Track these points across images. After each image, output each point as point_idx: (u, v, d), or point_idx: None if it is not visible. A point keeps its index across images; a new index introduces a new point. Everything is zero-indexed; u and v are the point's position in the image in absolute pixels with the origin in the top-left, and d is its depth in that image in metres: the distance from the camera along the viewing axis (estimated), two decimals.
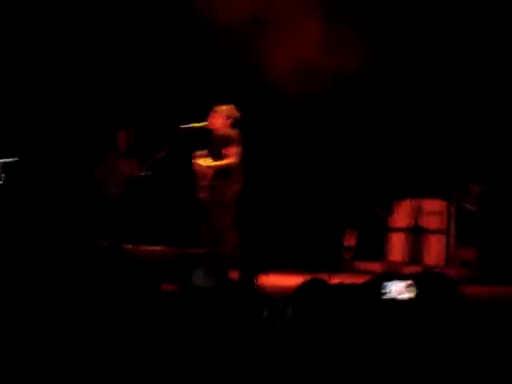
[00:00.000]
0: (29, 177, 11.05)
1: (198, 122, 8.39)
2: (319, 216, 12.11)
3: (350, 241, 11.76)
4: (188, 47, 11.55)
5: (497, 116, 10.63)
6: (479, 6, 10.61)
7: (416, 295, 4.27)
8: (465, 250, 10.37)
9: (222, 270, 7.78)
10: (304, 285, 4.31)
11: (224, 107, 8.37)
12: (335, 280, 4.97)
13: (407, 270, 9.79)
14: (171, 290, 4.41)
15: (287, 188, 12.08)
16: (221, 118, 8.31)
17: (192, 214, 8.88)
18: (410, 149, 11.51)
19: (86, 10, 11.32)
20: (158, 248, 9.68)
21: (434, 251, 10.69)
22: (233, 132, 8.26)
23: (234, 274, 7.85)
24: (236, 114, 8.35)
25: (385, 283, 4.65)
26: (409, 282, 4.65)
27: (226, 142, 8.21)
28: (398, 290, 4.65)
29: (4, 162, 10.02)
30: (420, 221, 10.96)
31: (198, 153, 8.22)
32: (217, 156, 8.21)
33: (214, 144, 8.30)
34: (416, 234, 10.97)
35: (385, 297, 4.65)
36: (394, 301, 4.63)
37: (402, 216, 11.21)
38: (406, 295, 4.55)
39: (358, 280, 6.05)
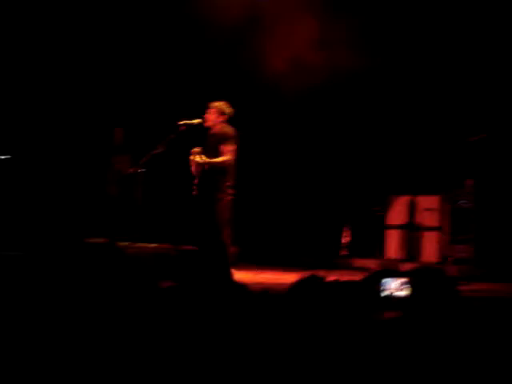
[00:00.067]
0: (21, 174, 11.01)
1: (194, 119, 8.39)
2: (316, 213, 12.11)
3: (347, 238, 11.76)
4: (183, 44, 11.54)
5: (491, 112, 10.64)
6: (474, 5, 10.63)
7: (413, 292, 4.26)
8: (459, 247, 10.37)
9: (215, 267, 7.78)
10: (301, 281, 4.29)
11: (217, 103, 8.38)
12: (332, 277, 4.94)
13: (403, 266, 9.79)
14: (168, 287, 4.39)
15: (284, 185, 12.08)
16: (214, 114, 8.32)
17: (186, 211, 8.88)
18: (405, 146, 11.52)
19: (82, 8, 11.30)
20: (152, 245, 9.66)
21: (429, 248, 10.70)
22: (229, 129, 8.26)
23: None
24: (228, 110, 8.35)
25: (382, 280, 4.65)
26: (405, 278, 4.64)
27: (222, 139, 8.21)
28: (395, 286, 4.64)
29: None
30: (415, 217, 10.96)
31: (195, 149, 8.21)
32: (212, 153, 8.20)
33: (209, 141, 8.30)
34: (411, 230, 10.98)
35: (382, 293, 4.65)
36: (391, 297, 4.63)
37: (397, 213, 11.21)
38: (404, 292, 4.54)
39: (355, 277, 6.05)
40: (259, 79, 11.07)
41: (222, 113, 8.32)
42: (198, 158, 8.15)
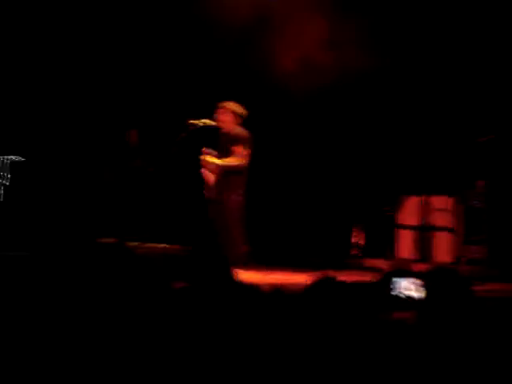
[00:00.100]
0: (35, 177, 11.02)
1: (205, 118, 8.38)
2: (327, 213, 12.08)
3: (357, 238, 11.72)
4: (194, 45, 11.53)
5: (503, 112, 10.60)
6: (485, 7, 10.59)
7: (427, 293, 4.21)
8: (473, 248, 10.32)
9: (216, 268, 7.76)
10: (316, 282, 4.26)
11: (231, 103, 8.37)
12: (342, 277, 4.91)
13: (415, 267, 9.73)
14: (180, 288, 4.37)
15: (294, 185, 12.05)
16: (227, 114, 8.30)
17: (197, 212, 8.87)
18: (418, 146, 11.47)
19: (94, 9, 11.31)
20: (162, 246, 9.66)
21: (442, 249, 10.65)
22: (241, 131, 8.24)
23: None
24: (242, 111, 8.33)
25: (395, 280, 4.62)
26: (419, 279, 4.61)
27: (234, 140, 8.19)
28: (408, 286, 4.61)
29: (10, 162, 10.00)
30: (428, 218, 10.92)
31: (207, 150, 8.20)
32: (225, 154, 8.19)
33: (222, 142, 8.29)
34: (424, 231, 10.94)
35: (395, 294, 4.62)
36: (404, 298, 4.60)
37: (409, 213, 11.16)
38: (418, 293, 4.51)
39: (366, 277, 6.02)
40: (269, 79, 11.05)
41: (234, 113, 8.31)
42: (210, 159, 8.15)
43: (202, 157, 8.20)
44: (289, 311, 4.10)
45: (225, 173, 8.14)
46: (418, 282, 4.55)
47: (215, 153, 8.26)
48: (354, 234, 11.72)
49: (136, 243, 9.05)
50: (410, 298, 4.61)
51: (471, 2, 10.67)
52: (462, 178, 10.69)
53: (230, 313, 4.04)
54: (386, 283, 4.68)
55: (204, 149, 8.22)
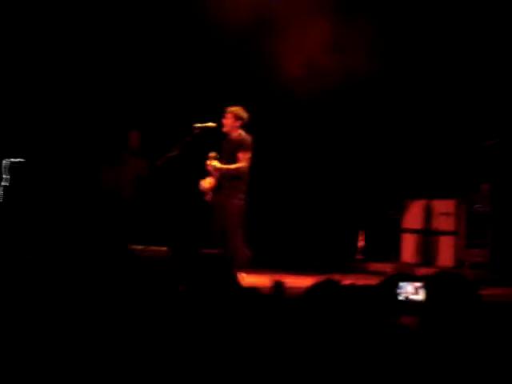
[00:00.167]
0: (35, 178, 11.01)
1: (209, 122, 8.39)
2: (331, 217, 12.08)
3: (361, 242, 11.73)
4: (197, 48, 11.54)
5: (507, 116, 10.59)
6: (492, 11, 10.58)
7: (429, 296, 4.21)
8: (475, 251, 10.31)
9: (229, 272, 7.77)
10: (316, 285, 4.26)
11: (233, 108, 8.38)
12: (347, 281, 4.91)
13: (419, 271, 9.72)
14: (183, 290, 4.39)
15: (298, 188, 12.05)
16: (230, 119, 8.32)
17: (199, 215, 8.88)
18: (421, 149, 11.47)
19: (98, 11, 11.32)
20: (165, 249, 9.64)
21: (445, 252, 10.64)
22: (246, 136, 8.26)
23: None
24: (244, 115, 8.35)
25: (399, 284, 4.62)
26: (422, 282, 4.61)
27: (239, 145, 8.21)
28: (411, 290, 4.61)
29: (10, 164, 10.00)
30: (431, 222, 10.91)
31: (212, 154, 8.22)
32: (228, 159, 8.21)
33: (226, 147, 8.30)
34: (427, 235, 10.92)
35: (398, 297, 4.62)
36: (407, 301, 4.60)
37: (413, 217, 11.16)
38: (421, 296, 4.51)
39: (370, 281, 6.01)
40: (273, 83, 11.06)
41: (238, 118, 8.33)
42: (215, 163, 8.17)
43: (209, 161, 8.22)
44: (289, 313, 4.11)
45: (227, 178, 8.16)
46: (421, 284, 4.55)
47: (219, 158, 8.28)
48: (361, 238, 11.72)
49: (141, 246, 9.04)
50: (413, 302, 4.61)
51: (478, 5, 10.66)
52: (466, 181, 10.68)
53: (231, 315, 4.05)
54: (388, 287, 4.68)
55: (210, 153, 8.23)
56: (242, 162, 8.19)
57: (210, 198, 8.25)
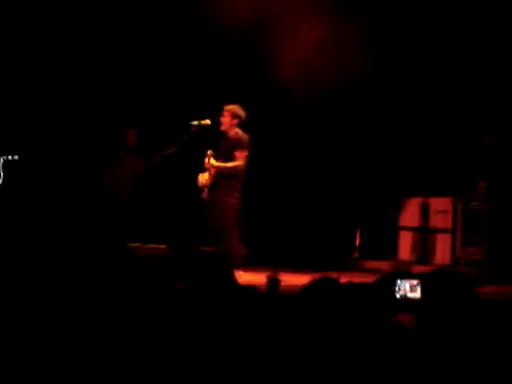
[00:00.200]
0: (29, 176, 10.99)
1: (205, 119, 8.39)
2: (328, 215, 12.08)
3: (358, 240, 11.74)
4: (195, 46, 11.53)
5: (505, 113, 10.59)
6: (490, 9, 10.59)
7: (426, 294, 4.22)
8: (472, 249, 10.31)
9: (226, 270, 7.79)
10: (313, 283, 4.27)
11: (231, 106, 8.38)
12: (344, 279, 4.92)
13: (415, 269, 9.73)
14: (181, 289, 4.39)
15: (295, 187, 12.06)
16: (228, 117, 8.32)
17: (195, 213, 8.89)
18: (418, 147, 11.48)
19: (96, 9, 11.31)
20: (163, 246, 9.64)
21: (441, 250, 10.65)
22: (243, 135, 8.26)
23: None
24: (242, 113, 8.35)
25: (396, 281, 4.62)
26: (419, 280, 4.61)
27: (236, 144, 8.21)
28: (409, 288, 4.61)
29: (3, 161, 9.98)
30: (428, 219, 10.92)
31: (210, 152, 8.22)
32: (225, 157, 8.21)
33: (223, 145, 8.30)
34: (424, 232, 10.94)
35: (396, 295, 4.62)
36: (405, 299, 4.60)
37: (410, 215, 11.17)
38: (418, 294, 4.51)
39: (367, 279, 6.01)
40: (270, 82, 11.07)
41: (235, 116, 8.32)
42: (213, 161, 8.17)
43: (207, 159, 8.22)
44: (286, 311, 4.12)
45: (224, 176, 8.16)
46: (417, 282, 4.55)
47: (215, 155, 8.28)
48: (358, 235, 11.74)
49: (137, 244, 9.04)
50: (410, 300, 4.61)
51: (476, 4, 10.66)
52: (463, 179, 10.68)
53: (228, 313, 4.05)
54: (385, 285, 4.68)
55: (208, 151, 8.23)
56: (239, 160, 8.19)
57: (206, 195, 8.26)
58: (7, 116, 11.17)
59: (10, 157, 9.78)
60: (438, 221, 10.80)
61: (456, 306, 3.92)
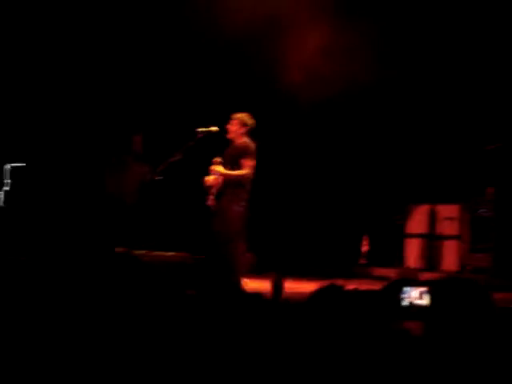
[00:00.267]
0: (36, 183, 11.01)
1: (211, 126, 8.38)
2: (335, 222, 12.08)
3: (365, 247, 11.72)
4: (202, 53, 11.55)
5: (507, 122, 10.58)
6: (493, 17, 10.59)
7: (435, 302, 4.19)
8: (479, 256, 10.29)
9: (224, 277, 7.79)
10: (320, 290, 4.25)
11: (239, 115, 8.36)
12: (351, 286, 4.90)
13: (423, 276, 9.72)
14: (188, 295, 4.38)
15: (302, 194, 12.05)
16: (236, 125, 8.30)
17: (201, 221, 8.87)
18: (425, 155, 11.47)
19: (103, 18, 11.33)
20: (169, 254, 9.64)
21: (449, 257, 10.62)
22: (250, 144, 8.24)
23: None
24: (251, 122, 8.33)
25: (403, 289, 4.60)
26: (427, 287, 4.59)
27: (243, 153, 8.18)
28: (416, 295, 4.59)
29: (11, 168, 10.00)
30: (435, 226, 10.90)
31: (217, 159, 8.20)
32: (232, 165, 8.19)
33: (230, 153, 8.28)
34: (431, 239, 10.91)
35: (403, 303, 4.60)
36: (412, 307, 4.58)
37: (417, 222, 11.15)
38: (425, 301, 4.49)
39: (374, 286, 5.99)
40: (276, 89, 11.07)
41: (243, 124, 8.31)
42: (220, 168, 8.15)
43: (213, 166, 8.20)
44: (293, 318, 4.10)
45: (230, 184, 8.15)
46: (427, 291, 4.53)
47: (222, 163, 8.27)
48: (365, 243, 11.72)
49: (143, 251, 9.03)
50: (417, 307, 4.59)
51: (480, 12, 10.66)
52: (470, 186, 10.67)
53: (233, 320, 4.04)
54: (392, 292, 4.66)
55: (215, 158, 8.21)
56: (246, 169, 8.16)
57: (211, 202, 8.24)
58: (14, 124, 11.20)
59: (17, 164, 9.81)
60: (445, 228, 10.78)
61: (471, 314, 3.89)
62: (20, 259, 6.85)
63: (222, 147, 8.46)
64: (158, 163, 8.75)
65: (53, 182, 11.31)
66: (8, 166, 10.00)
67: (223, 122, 8.49)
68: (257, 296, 4.84)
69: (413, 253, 11.12)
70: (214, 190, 8.21)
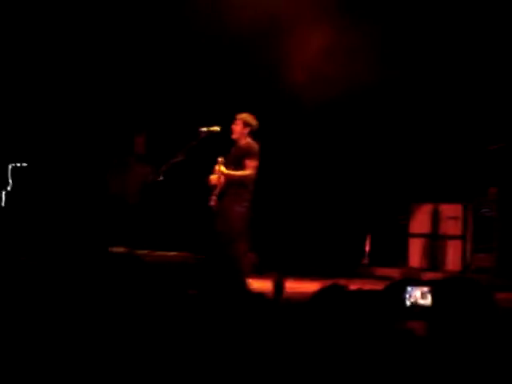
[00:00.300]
0: (38, 183, 11.01)
1: (214, 126, 8.37)
2: (338, 222, 12.07)
3: (368, 246, 11.72)
4: (204, 53, 11.54)
5: (510, 121, 10.57)
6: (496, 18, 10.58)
7: (439, 301, 4.18)
8: (482, 256, 10.28)
9: (230, 278, 7.79)
10: (322, 290, 4.24)
11: (244, 115, 8.35)
12: (354, 286, 4.89)
13: (426, 275, 9.70)
14: (191, 295, 4.38)
15: (305, 194, 12.04)
16: (240, 126, 8.29)
17: (203, 221, 8.86)
18: (428, 154, 11.45)
19: (104, 19, 11.33)
20: (171, 254, 9.64)
21: (452, 257, 10.61)
22: (254, 144, 8.23)
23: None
24: (254, 122, 8.32)
25: (407, 288, 4.59)
26: (429, 287, 4.59)
27: (247, 153, 8.18)
28: (419, 295, 4.58)
29: (12, 168, 10.00)
30: (438, 226, 10.89)
31: (220, 158, 8.19)
32: (235, 166, 8.18)
33: (233, 153, 8.27)
34: (434, 239, 10.90)
35: (406, 302, 4.59)
36: (416, 307, 4.57)
37: (420, 221, 11.14)
38: (428, 301, 4.48)
39: (377, 286, 5.98)
40: (279, 89, 11.07)
41: (247, 125, 8.30)
42: (223, 168, 8.15)
43: (217, 166, 8.19)
44: (296, 318, 4.09)
45: (232, 184, 8.14)
46: (430, 290, 4.52)
47: (225, 163, 8.26)
48: (368, 242, 11.71)
49: (145, 251, 9.03)
50: (420, 307, 4.58)
51: (481, 13, 10.65)
52: (473, 185, 10.66)
53: (235, 320, 4.03)
54: (395, 292, 4.66)
55: (219, 158, 8.20)
56: (249, 169, 8.15)
57: (214, 202, 8.23)
58: (16, 124, 11.19)
59: (18, 164, 9.80)
60: (448, 227, 10.77)
61: (473, 314, 3.88)
62: (20, 259, 6.85)
63: (224, 147, 8.45)
64: (160, 164, 8.75)
65: (54, 182, 11.31)
66: (9, 166, 10.00)
67: (225, 122, 8.48)
68: (259, 296, 4.84)
69: (416, 252, 11.11)
70: (216, 190, 8.20)
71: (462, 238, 10.54)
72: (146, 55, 11.63)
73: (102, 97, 11.65)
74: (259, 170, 8.27)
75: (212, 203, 8.23)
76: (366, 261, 11.65)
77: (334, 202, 12.07)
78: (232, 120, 8.33)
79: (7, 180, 10.31)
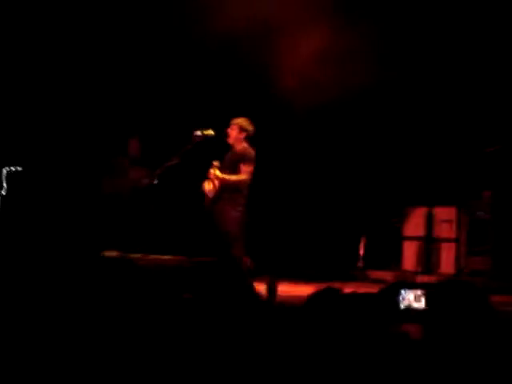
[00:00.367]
0: (33, 187, 10.99)
1: (208, 129, 8.37)
2: (332, 225, 12.07)
3: (362, 250, 11.72)
4: (197, 57, 11.55)
5: (506, 124, 10.58)
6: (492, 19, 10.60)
7: (433, 304, 4.19)
8: (476, 259, 10.28)
9: (235, 280, 7.78)
10: (317, 293, 4.24)
11: (240, 120, 8.35)
12: (348, 289, 4.90)
13: (420, 279, 9.72)
14: (186, 299, 4.38)
15: (299, 197, 12.04)
16: (236, 130, 8.29)
17: (198, 224, 8.86)
18: (422, 157, 11.46)
19: (99, 21, 11.33)
20: (166, 257, 9.62)
21: (446, 260, 10.62)
22: (250, 150, 8.24)
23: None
24: (249, 127, 8.32)
25: (401, 292, 4.60)
26: (423, 290, 4.59)
27: (242, 158, 8.18)
28: (413, 298, 4.59)
29: (7, 172, 9.97)
30: (432, 229, 10.89)
31: (216, 162, 8.19)
32: (230, 170, 8.18)
33: (229, 157, 8.27)
34: (429, 242, 10.91)
35: (401, 306, 4.60)
36: (410, 310, 4.57)
37: (414, 224, 11.14)
38: (422, 304, 4.49)
39: (372, 289, 5.99)
40: (271, 94, 11.08)
41: (243, 130, 8.30)
42: (218, 172, 8.14)
43: (212, 170, 8.18)
44: (290, 322, 4.10)
45: (227, 189, 8.14)
46: (424, 293, 4.53)
47: (220, 167, 8.26)
48: (362, 245, 11.71)
49: (139, 255, 9.01)
50: (414, 310, 4.59)
51: (478, 14, 10.66)
52: (467, 188, 10.67)
53: (230, 324, 4.03)
54: (389, 295, 4.66)
55: (214, 162, 8.20)
56: (244, 174, 8.15)
57: (208, 204, 8.23)
58: (10, 128, 11.17)
59: (13, 168, 9.77)
60: (442, 230, 10.78)
61: (469, 316, 3.88)
62: (16, 264, 6.83)
63: (218, 151, 8.45)
64: (155, 167, 8.74)
65: (49, 186, 11.29)
66: (4, 170, 9.97)
67: (220, 125, 8.48)
68: (261, 300, 4.84)
69: (410, 256, 11.11)
70: (211, 195, 8.19)
71: (456, 241, 10.55)
72: (140, 59, 11.62)
73: (96, 100, 11.64)
74: (255, 172, 8.28)
75: (207, 203, 8.24)
76: (360, 264, 11.65)
77: (328, 205, 12.08)
78: (226, 124, 8.34)
79: (1, 184, 10.27)
